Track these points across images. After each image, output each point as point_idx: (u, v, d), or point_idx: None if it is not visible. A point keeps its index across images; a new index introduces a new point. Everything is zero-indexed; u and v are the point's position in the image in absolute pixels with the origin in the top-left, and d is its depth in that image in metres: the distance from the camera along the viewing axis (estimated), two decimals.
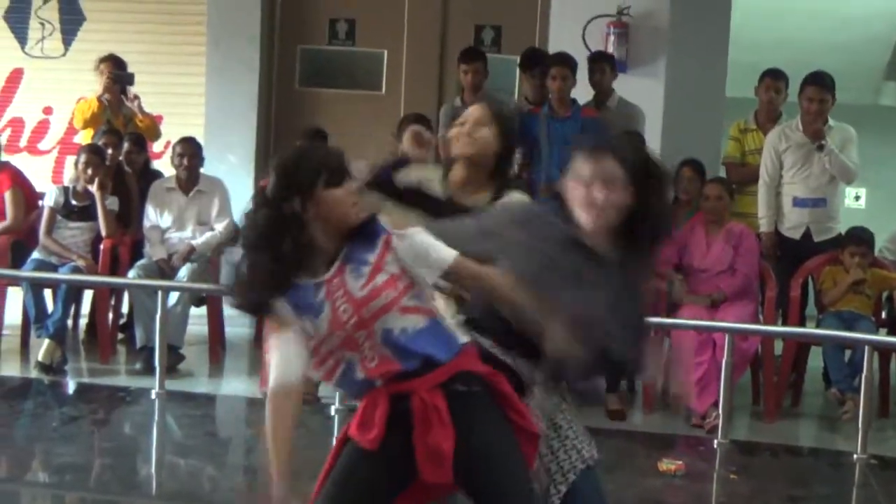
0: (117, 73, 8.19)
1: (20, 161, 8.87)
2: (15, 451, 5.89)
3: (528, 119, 7.37)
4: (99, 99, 8.17)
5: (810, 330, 7.16)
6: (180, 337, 7.29)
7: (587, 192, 3.20)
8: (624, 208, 3.19)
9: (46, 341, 7.14)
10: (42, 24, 9.78)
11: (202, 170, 7.81)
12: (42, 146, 9.85)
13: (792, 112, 7.52)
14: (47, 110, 9.83)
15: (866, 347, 6.11)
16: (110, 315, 7.77)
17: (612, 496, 3.55)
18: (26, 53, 9.83)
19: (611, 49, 8.27)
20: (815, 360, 7.17)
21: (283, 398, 3.05)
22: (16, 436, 6.15)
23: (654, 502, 5.40)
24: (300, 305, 2.99)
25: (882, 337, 6.89)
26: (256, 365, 7.20)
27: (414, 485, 3.02)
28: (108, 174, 7.59)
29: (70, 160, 8.37)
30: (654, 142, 7.92)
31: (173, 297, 7.13)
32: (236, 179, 8.69)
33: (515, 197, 3.80)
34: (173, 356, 7.10)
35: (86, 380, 7.31)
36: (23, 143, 9.84)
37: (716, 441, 6.12)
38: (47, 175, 9.52)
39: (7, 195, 7.74)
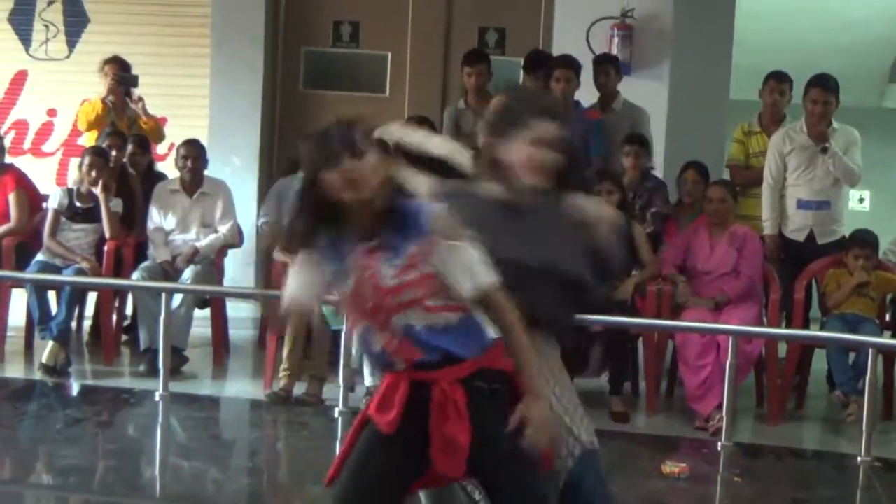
0: (121, 74, 8.20)
1: (24, 163, 8.88)
2: (19, 452, 5.89)
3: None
4: (103, 101, 8.19)
5: (814, 332, 7.14)
6: (184, 339, 7.30)
7: (536, 153, 3.25)
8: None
9: (50, 343, 7.15)
10: (46, 26, 9.79)
11: (206, 172, 7.82)
12: (46, 148, 9.86)
13: (796, 114, 7.52)
14: (51, 112, 9.84)
15: (870, 350, 6.10)
16: (114, 317, 7.77)
17: (616, 499, 3.55)
18: (30, 55, 9.84)
19: (615, 51, 8.28)
20: (819, 362, 7.16)
21: (297, 316, 3.06)
22: (20, 437, 6.15)
23: None
24: (333, 258, 2.97)
25: (886, 339, 6.87)
26: (260, 367, 7.20)
27: (426, 473, 3.03)
28: (111, 176, 7.59)
29: (74, 162, 8.37)
30: (657, 144, 7.94)
31: (177, 299, 7.13)
32: (240, 182, 8.71)
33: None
34: (177, 358, 7.11)
35: (89, 382, 7.31)
36: (27, 145, 9.85)
37: (719, 443, 6.12)
38: (51, 177, 9.53)
39: (11, 197, 7.74)
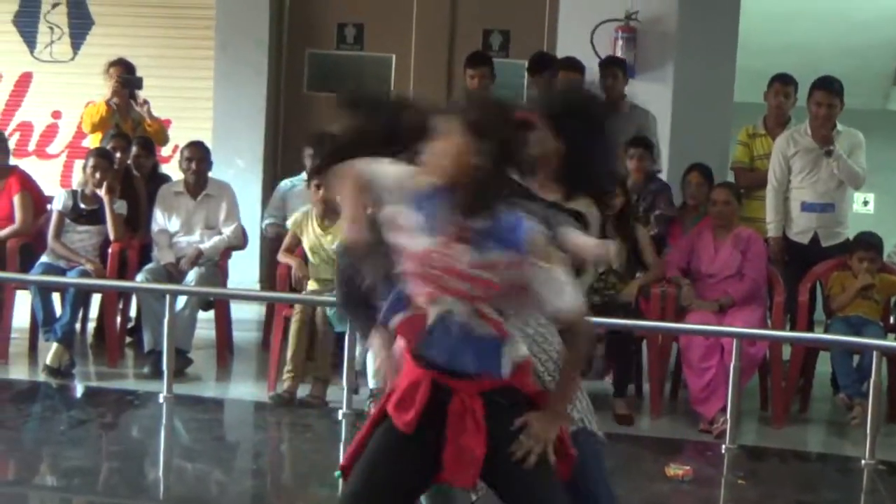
0: (126, 76, 8.21)
1: (29, 165, 8.90)
2: (23, 454, 5.90)
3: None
4: (107, 103, 8.19)
5: (818, 335, 7.14)
6: (188, 341, 7.30)
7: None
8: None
9: (54, 345, 7.15)
10: (51, 29, 9.81)
11: (210, 174, 7.82)
12: (51, 150, 9.89)
13: (801, 117, 7.51)
14: (56, 114, 9.86)
15: (874, 353, 6.09)
16: (118, 319, 7.77)
17: (619, 501, 3.55)
18: (35, 57, 9.87)
19: (618, 54, 8.27)
20: (824, 365, 7.15)
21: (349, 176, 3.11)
22: (24, 439, 6.15)
23: None
24: (420, 205, 2.97)
25: (890, 342, 6.87)
26: (264, 369, 7.20)
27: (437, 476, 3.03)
28: (116, 178, 7.60)
29: (79, 164, 8.38)
30: (662, 146, 7.94)
31: (181, 300, 7.13)
32: (244, 183, 8.72)
33: (582, 204, 3.57)
34: (181, 360, 7.11)
35: (94, 383, 7.30)
36: (31, 147, 9.87)
37: (723, 446, 6.11)
38: (56, 179, 9.56)
39: (16, 199, 7.75)
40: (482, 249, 2.92)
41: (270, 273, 8.10)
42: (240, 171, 9.08)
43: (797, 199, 7.33)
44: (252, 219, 8.31)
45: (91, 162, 7.53)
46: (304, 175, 7.81)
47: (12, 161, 8.18)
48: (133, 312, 7.99)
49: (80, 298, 7.40)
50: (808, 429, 7.12)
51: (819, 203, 7.29)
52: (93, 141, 8.32)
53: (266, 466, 6.14)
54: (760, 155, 7.64)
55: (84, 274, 7.30)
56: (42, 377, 7.08)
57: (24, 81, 9.89)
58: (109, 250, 7.48)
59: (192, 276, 7.40)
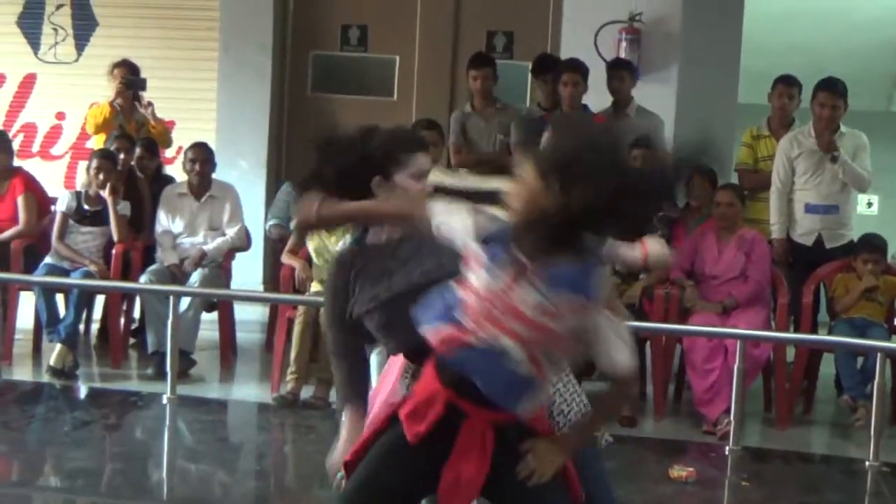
0: (130, 78, 8.21)
1: (33, 166, 8.91)
2: (27, 455, 5.90)
3: (540, 125, 7.38)
4: (111, 104, 8.20)
5: (822, 337, 7.13)
6: (192, 342, 7.30)
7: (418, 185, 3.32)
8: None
9: (58, 346, 7.16)
10: (55, 30, 9.83)
11: (214, 175, 7.82)
12: (55, 151, 9.90)
13: (805, 118, 7.50)
14: (60, 115, 9.87)
15: (878, 354, 6.09)
16: (122, 320, 7.78)
17: (623, 502, 3.55)
18: (39, 59, 9.88)
19: (622, 55, 8.27)
20: (828, 366, 7.14)
21: (409, 212, 3.11)
22: (28, 440, 6.16)
23: None
24: (491, 248, 2.92)
25: (894, 344, 6.86)
26: (267, 370, 7.20)
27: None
28: (119, 179, 7.61)
29: (82, 165, 8.40)
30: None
31: (185, 302, 7.13)
32: (248, 185, 8.73)
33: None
34: (185, 361, 7.11)
35: (97, 384, 7.31)
36: (35, 148, 9.89)
37: (727, 448, 6.11)
38: (60, 180, 9.57)
39: (20, 200, 7.76)
40: (548, 294, 2.83)
41: (274, 274, 8.10)
42: (243, 173, 9.08)
43: (801, 200, 7.32)
44: (256, 220, 8.32)
45: (94, 163, 7.54)
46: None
47: (16, 162, 8.18)
48: (137, 313, 8.00)
49: (83, 299, 7.40)
50: (812, 430, 7.11)
51: (823, 205, 7.28)
52: (97, 142, 8.32)
53: (269, 468, 6.14)
54: (764, 156, 7.63)
55: (88, 275, 7.31)
56: (46, 378, 7.09)
57: (28, 83, 9.91)
58: (113, 251, 7.49)
59: (195, 277, 7.41)
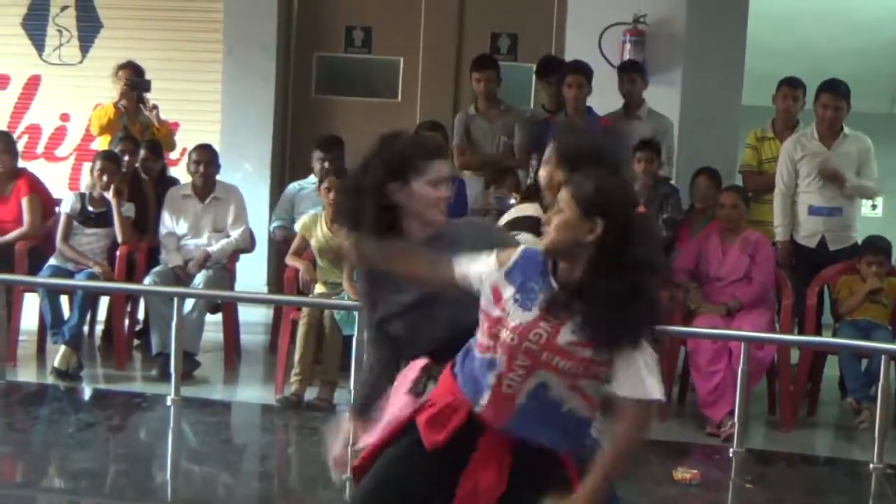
0: (134, 79, 8.22)
1: (37, 167, 8.91)
2: (31, 456, 5.91)
3: (544, 127, 7.38)
4: (115, 105, 8.20)
5: (826, 339, 7.13)
6: (196, 343, 7.30)
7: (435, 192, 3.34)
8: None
9: (63, 347, 7.17)
10: (60, 31, 9.83)
11: (218, 177, 7.82)
12: (59, 153, 9.90)
13: (809, 120, 7.50)
14: (64, 117, 9.87)
15: (883, 356, 6.07)
16: (126, 321, 7.79)
17: None
18: (44, 60, 9.88)
19: (626, 57, 8.26)
20: (832, 368, 7.14)
21: (436, 269, 3.09)
22: (32, 441, 6.17)
23: None
24: (522, 282, 2.92)
25: None
26: (271, 372, 7.21)
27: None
28: (124, 181, 7.61)
29: (87, 167, 8.40)
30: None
31: (189, 303, 7.14)
32: (252, 186, 8.72)
33: None
34: (189, 363, 7.10)
35: (101, 386, 7.32)
36: (40, 149, 9.89)
37: (731, 450, 6.08)
38: (64, 182, 9.56)
39: (24, 201, 7.76)
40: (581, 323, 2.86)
41: (278, 276, 8.10)
42: (247, 174, 9.08)
43: (804, 202, 7.32)
44: (260, 222, 8.32)
45: (98, 165, 7.55)
46: (312, 178, 7.82)
47: (21, 164, 8.19)
48: (141, 315, 8.01)
49: (88, 301, 7.41)
50: (816, 433, 7.10)
51: (826, 207, 7.28)
52: (101, 143, 8.33)
53: (273, 469, 6.15)
54: (769, 158, 7.63)
55: (92, 277, 7.31)
56: (50, 380, 7.10)
57: (33, 84, 9.91)
58: (117, 253, 7.50)
59: (199, 278, 7.41)
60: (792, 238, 7.36)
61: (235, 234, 7.67)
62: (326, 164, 7.58)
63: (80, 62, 9.82)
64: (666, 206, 7.41)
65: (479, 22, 9.26)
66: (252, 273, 8.51)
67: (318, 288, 6.96)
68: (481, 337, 2.95)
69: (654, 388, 2.88)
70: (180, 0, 9.65)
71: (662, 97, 8.05)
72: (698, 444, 6.46)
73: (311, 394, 6.69)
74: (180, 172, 8.50)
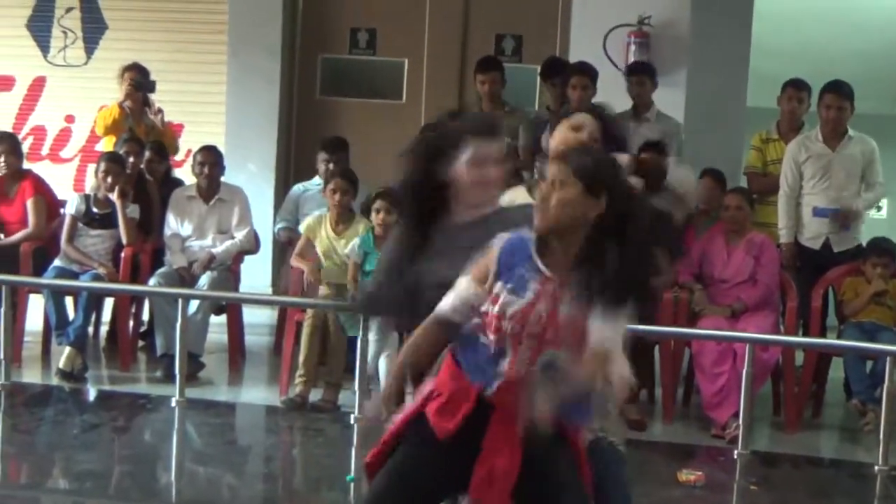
0: (139, 80, 8.22)
1: (42, 169, 8.93)
2: (36, 457, 5.92)
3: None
4: (120, 106, 8.20)
5: (831, 341, 7.13)
6: (200, 345, 7.30)
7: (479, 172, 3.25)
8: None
9: (67, 348, 7.17)
10: (64, 33, 9.84)
11: (223, 178, 7.83)
12: (64, 154, 9.91)
13: (814, 122, 7.50)
14: (69, 118, 9.88)
15: (888, 358, 6.07)
16: (131, 323, 7.79)
17: None
18: (49, 62, 9.89)
19: (631, 58, 8.26)
20: (837, 370, 7.13)
21: (436, 325, 3.04)
22: (37, 442, 6.17)
23: None
24: (510, 272, 2.94)
25: None
26: (276, 373, 7.21)
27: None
28: (128, 182, 7.61)
29: (92, 168, 8.39)
30: None
31: (193, 305, 7.14)
32: (256, 188, 8.72)
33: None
34: (193, 364, 7.11)
35: (106, 387, 7.33)
36: (45, 151, 9.90)
37: (736, 452, 6.09)
38: (69, 183, 9.57)
39: (29, 203, 7.77)
40: (579, 298, 2.89)
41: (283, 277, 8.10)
42: (252, 176, 9.08)
43: (809, 204, 7.32)
44: (264, 223, 8.32)
45: (102, 166, 7.55)
46: (317, 179, 7.82)
47: (26, 165, 8.19)
48: (146, 316, 8.00)
49: (92, 302, 7.41)
50: (821, 434, 7.10)
51: (831, 208, 7.28)
52: (106, 144, 8.33)
53: (277, 471, 6.15)
54: (773, 160, 7.62)
55: (97, 278, 7.32)
56: (55, 381, 7.10)
57: (38, 85, 9.92)
58: (122, 254, 7.50)
59: (204, 280, 7.41)
60: (796, 240, 7.35)
61: (240, 235, 7.68)
62: (331, 166, 7.58)
63: (85, 63, 9.83)
64: None
65: (483, 23, 9.26)
66: (256, 274, 8.52)
67: (323, 289, 6.96)
68: (486, 334, 2.95)
69: (611, 343, 2.88)
70: (185, 2, 9.67)
71: (667, 99, 8.04)
72: (703, 446, 6.45)
73: (315, 395, 6.69)
74: (185, 174, 8.50)
